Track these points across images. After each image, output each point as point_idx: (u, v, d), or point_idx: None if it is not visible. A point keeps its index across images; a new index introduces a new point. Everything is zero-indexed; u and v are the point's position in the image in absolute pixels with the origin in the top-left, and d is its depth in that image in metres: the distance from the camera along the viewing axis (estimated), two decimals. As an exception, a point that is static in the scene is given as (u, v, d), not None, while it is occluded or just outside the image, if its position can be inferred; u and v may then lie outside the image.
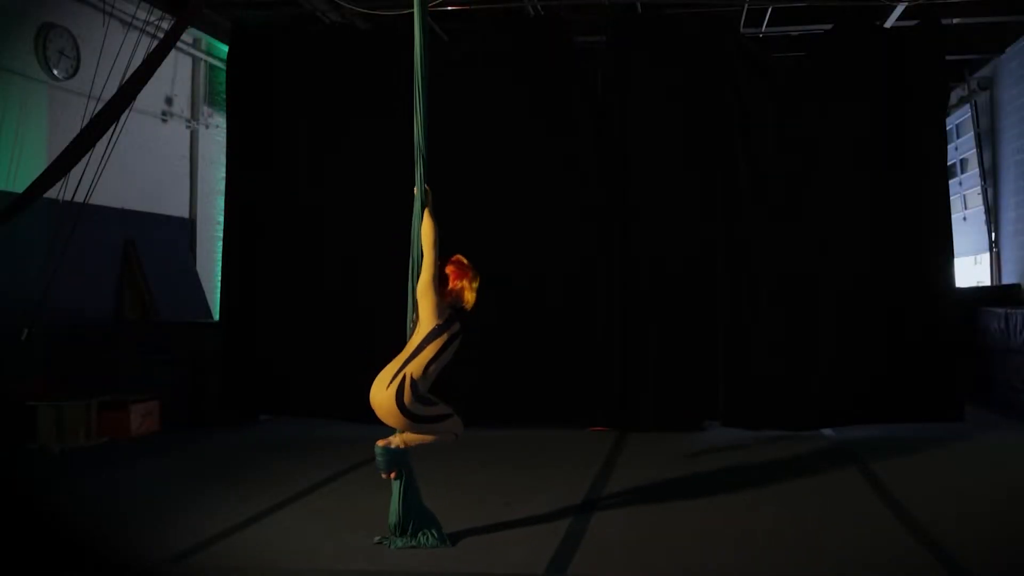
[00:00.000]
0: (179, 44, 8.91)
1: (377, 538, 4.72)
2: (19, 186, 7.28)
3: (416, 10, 4.69)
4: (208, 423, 8.48)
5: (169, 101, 10.13)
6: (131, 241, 9.30)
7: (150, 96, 9.33)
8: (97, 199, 7.77)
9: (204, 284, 10.39)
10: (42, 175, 6.64)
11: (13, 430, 7.29)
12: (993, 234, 11.21)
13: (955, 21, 9.16)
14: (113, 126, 6.94)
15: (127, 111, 7.05)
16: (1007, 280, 10.80)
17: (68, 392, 7.70)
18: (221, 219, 9.50)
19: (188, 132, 10.56)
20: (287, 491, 5.87)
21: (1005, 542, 4.79)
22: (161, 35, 7.58)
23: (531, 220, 8.31)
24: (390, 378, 4.51)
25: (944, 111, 8.70)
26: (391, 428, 4.69)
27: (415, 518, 4.69)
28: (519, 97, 8.37)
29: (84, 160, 6.76)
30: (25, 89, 8.02)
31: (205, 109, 10.78)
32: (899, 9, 8.55)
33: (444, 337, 4.57)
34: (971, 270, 12.22)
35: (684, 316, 8.12)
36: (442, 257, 4.70)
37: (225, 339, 8.64)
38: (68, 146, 6.63)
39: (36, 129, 8.12)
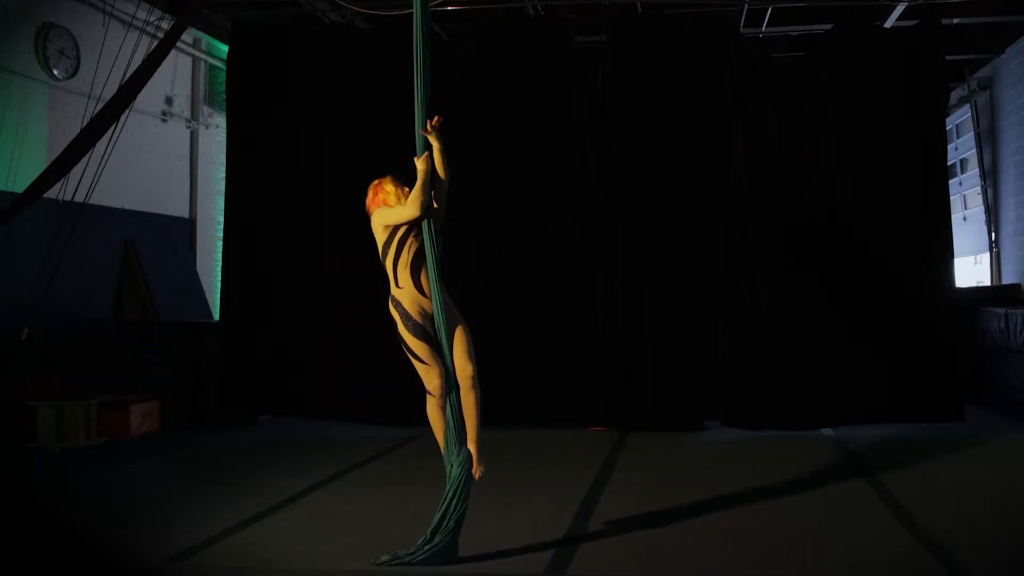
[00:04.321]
0: (179, 44, 8.91)
1: (384, 558, 4.43)
2: (19, 186, 7.29)
3: (417, 10, 4.66)
4: (208, 423, 8.47)
5: (169, 101, 10.14)
6: (131, 241, 9.30)
7: (150, 96, 9.34)
8: (97, 199, 7.77)
9: (204, 284, 10.39)
10: (42, 175, 6.65)
11: (13, 430, 7.29)
12: (993, 234, 11.22)
13: (955, 21, 9.17)
14: (113, 126, 6.94)
15: (127, 111, 7.05)
16: (1007, 280, 10.80)
17: (68, 392, 7.69)
18: (221, 219, 9.51)
19: (188, 132, 10.56)
20: (287, 491, 5.86)
21: (1005, 542, 4.78)
22: (161, 35, 7.58)
23: (531, 220, 8.31)
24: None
25: (944, 111, 8.70)
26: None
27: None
28: (519, 97, 8.37)
29: (84, 160, 6.76)
30: (25, 89, 8.03)
31: (205, 109, 10.78)
32: (899, 9, 8.55)
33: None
34: (971, 270, 12.22)
35: (684, 315, 8.12)
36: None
37: (225, 339, 8.64)
38: (68, 146, 6.64)
39: (36, 129, 8.12)
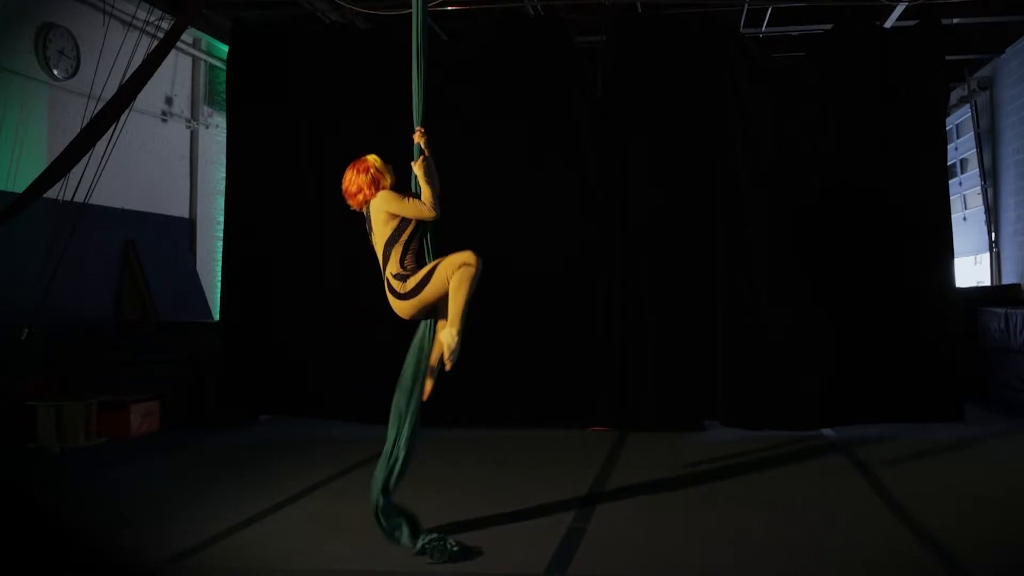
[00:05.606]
0: (179, 44, 8.91)
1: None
2: (19, 186, 7.28)
3: (416, 10, 4.68)
4: (208, 423, 8.48)
5: (169, 101, 10.13)
6: (131, 241, 9.30)
7: (150, 96, 9.34)
8: (97, 199, 7.77)
9: (204, 284, 10.39)
10: (42, 175, 6.65)
11: (13, 430, 7.29)
12: (993, 234, 11.21)
13: (955, 21, 9.16)
14: (113, 126, 6.94)
15: (127, 111, 7.05)
16: (1007, 280, 10.79)
17: (68, 392, 7.70)
18: (221, 219, 9.51)
19: (188, 132, 10.56)
20: (287, 491, 5.87)
21: (1005, 542, 4.78)
22: (161, 35, 7.58)
23: (531, 220, 8.31)
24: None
25: (944, 111, 8.70)
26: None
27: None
28: (519, 97, 8.37)
29: (84, 160, 6.76)
30: (25, 89, 8.02)
31: (205, 109, 10.78)
32: (899, 9, 8.55)
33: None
34: (971, 270, 12.22)
35: (684, 315, 8.12)
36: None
37: (225, 339, 8.64)
38: (68, 146, 6.64)
39: (36, 129, 8.12)
